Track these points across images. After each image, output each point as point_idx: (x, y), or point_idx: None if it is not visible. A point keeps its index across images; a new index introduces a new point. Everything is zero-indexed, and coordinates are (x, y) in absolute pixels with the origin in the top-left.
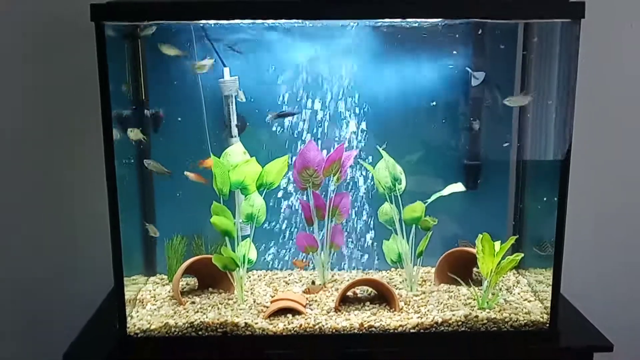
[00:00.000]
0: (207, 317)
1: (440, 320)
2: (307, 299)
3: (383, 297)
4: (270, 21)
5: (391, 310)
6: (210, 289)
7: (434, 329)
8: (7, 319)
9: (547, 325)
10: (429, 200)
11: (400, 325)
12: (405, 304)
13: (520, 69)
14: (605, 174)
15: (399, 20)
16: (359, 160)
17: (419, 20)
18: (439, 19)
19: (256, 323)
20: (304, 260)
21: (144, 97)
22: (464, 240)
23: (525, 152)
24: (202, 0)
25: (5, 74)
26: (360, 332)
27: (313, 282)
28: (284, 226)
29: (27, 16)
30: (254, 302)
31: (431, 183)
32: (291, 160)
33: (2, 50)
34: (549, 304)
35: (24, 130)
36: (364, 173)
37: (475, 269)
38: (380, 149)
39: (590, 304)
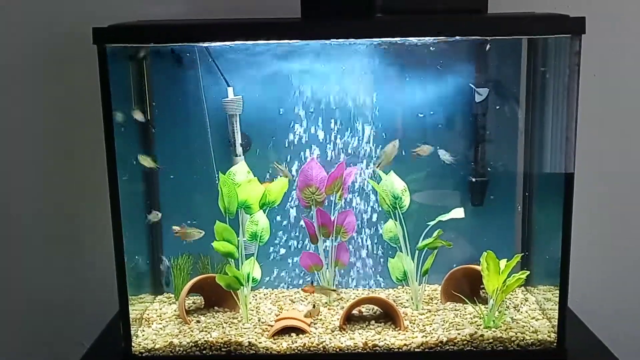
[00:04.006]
0: (211, 337)
1: (445, 339)
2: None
3: (388, 315)
4: (273, 42)
5: (396, 329)
6: (215, 308)
7: (439, 348)
8: (15, 336)
9: (555, 344)
10: (431, 224)
11: (405, 345)
12: (410, 323)
13: (525, 83)
14: (618, 185)
15: (400, 39)
16: (367, 179)
17: (418, 38)
18: (440, 37)
19: (260, 342)
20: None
21: (149, 117)
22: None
23: (532, 167)
24: (202, 23)
25: (13, 90)
26: (365, 352)
27: (314, 306)
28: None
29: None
30: (259, 320)
31: (437, 200)
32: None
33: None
34: (556, 322)
35: (29, 150)
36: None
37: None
38: (377, 169)
39: (602, 321)
